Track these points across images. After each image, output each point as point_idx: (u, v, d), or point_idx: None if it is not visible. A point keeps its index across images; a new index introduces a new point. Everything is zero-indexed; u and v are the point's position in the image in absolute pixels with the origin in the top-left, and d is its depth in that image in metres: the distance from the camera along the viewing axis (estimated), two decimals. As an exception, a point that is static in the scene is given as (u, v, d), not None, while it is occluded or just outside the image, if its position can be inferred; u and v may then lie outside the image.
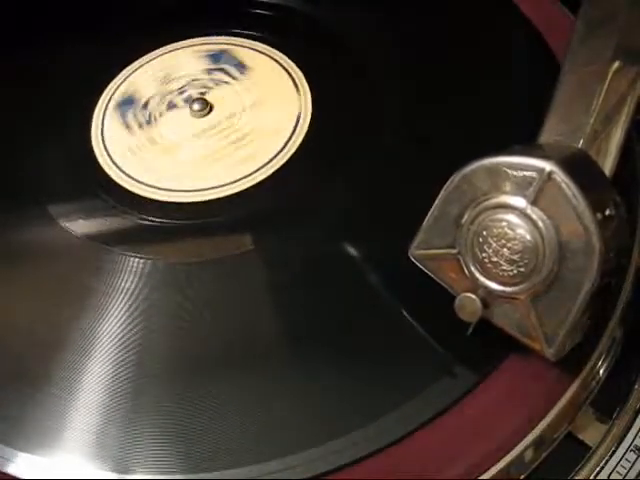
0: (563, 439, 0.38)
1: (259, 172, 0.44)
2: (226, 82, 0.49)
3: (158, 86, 0.50)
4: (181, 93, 0.49)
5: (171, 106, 0.49)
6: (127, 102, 0.49)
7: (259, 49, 0.51)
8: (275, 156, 0.45)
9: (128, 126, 0.48)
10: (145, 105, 0.49)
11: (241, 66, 0.50)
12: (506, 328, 0.36)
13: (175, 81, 0.50)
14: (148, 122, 0.48)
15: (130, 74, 0.51)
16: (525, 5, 0.50)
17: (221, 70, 0.50)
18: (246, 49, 0.51)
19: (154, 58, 0.52)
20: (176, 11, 0.54)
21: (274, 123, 0.47)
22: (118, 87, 0.50)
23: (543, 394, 0.37)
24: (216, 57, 0.50)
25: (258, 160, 0.45)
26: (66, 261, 0.43)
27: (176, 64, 0.51)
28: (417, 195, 0.37)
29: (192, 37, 0.52)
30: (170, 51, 0.52)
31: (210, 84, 0.49)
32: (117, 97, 0.50)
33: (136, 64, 0.51)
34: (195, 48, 0.52)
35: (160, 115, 0.48)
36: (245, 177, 0.44)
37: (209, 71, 0.50)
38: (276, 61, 0.50)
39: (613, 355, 0.41)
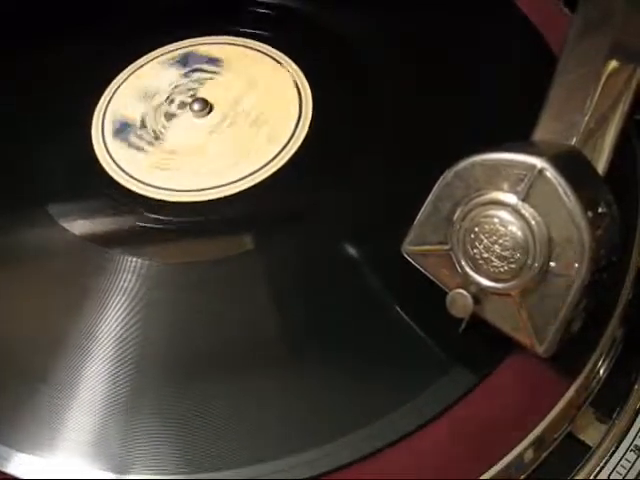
0: (563, 439, 0.38)
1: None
2: (209, 78, 0.49)
3: (144, 104, 0.49)
4: (171, 102, 0.48)
5: (170, 116, 0.48)
6: (123, 127, 0.48)
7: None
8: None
9: (138, 148, 0.47)
10: (143, 124, 0.48)
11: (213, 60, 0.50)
12: (497, 324, 0.36)
13: (157, 95, 0.49)
14: (157, 138, 0.47)
15: (114, 92, 0.50)
16: (525, 4, 0.50)
17: (197, 70, 0.50)
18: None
19: (127, 77, 0.51)
20: (176, 10, 0.54)
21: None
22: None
23: (543, 394, 0.37)
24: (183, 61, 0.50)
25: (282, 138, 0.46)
26: (65, 261, 0.43)
27: (149, 78, 0.50)
28: (417, 195, 0.37)
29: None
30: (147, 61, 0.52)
31: (194, 85, 0.49)
32: (109, 125, 0.48)
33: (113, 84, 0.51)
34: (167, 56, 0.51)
35: (164, 128, 0.48)
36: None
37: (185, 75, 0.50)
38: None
39: (613, 355, 0.40)
